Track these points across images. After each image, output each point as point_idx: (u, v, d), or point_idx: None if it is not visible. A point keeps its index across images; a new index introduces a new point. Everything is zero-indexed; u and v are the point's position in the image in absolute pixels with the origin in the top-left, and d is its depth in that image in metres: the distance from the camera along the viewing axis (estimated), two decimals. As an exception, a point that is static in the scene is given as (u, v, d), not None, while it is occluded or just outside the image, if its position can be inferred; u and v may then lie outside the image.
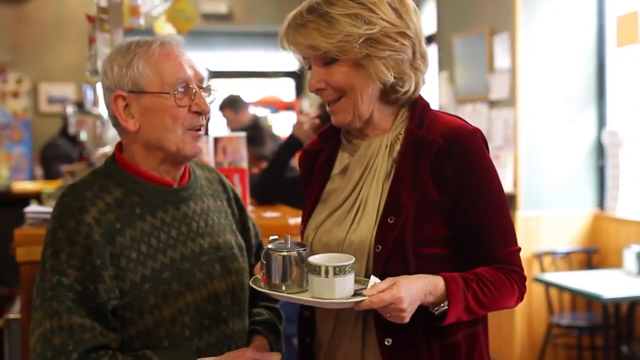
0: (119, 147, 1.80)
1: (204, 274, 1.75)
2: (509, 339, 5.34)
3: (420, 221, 1.63)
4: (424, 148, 1.66)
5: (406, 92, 1.70)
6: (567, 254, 5.36)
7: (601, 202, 5.50)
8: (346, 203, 1.72)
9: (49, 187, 5.15)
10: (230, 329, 1.80)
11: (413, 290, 1.52)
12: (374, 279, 1.55)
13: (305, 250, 1.60)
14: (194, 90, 1.72)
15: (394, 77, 1.67)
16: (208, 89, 1.76)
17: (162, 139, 1.71)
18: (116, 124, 1.75)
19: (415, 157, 1.66)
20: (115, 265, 1.64)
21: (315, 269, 1.53)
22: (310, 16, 1.65)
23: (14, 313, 2.83)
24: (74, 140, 6.33)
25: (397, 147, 1.70)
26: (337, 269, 1.52)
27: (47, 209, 2.64)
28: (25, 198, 5.03)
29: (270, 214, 2.96)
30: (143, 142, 1.73)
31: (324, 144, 1.85)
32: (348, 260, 1.55)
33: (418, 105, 1.73)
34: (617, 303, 4.65)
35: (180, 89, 1.71)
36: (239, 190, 2.81)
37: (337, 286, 1.52)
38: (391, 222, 1.62)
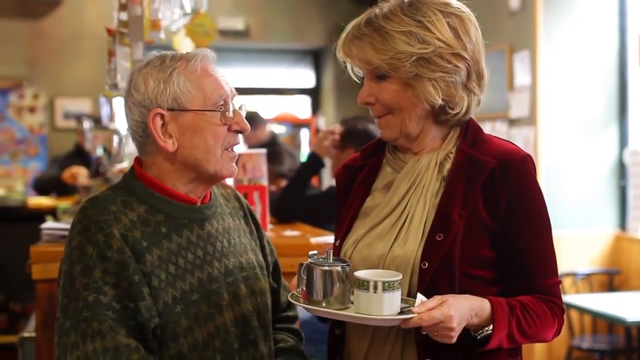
0: (138, 162, 1.72)
1: (230, 295, 1.69)
2: (529, 362, 5.25)
3: (469, 240, 1.59)
4: (477, 167, 1.62)
5: (457, 114, 1.67)
6: (588, 275, 5.28)
7: (623, 223, 5.42)
8: (390, 217, 1.68)
9: (65, 202, 5.12)
10: (259, 351, 1.74)
11: (462, 310, 1.49)
12: (420, 297, 1.50)
13: (349, 265, 1.56)
14: (232, 108, 1.67)
15: (443, 100, 1.63)
16: (241, 107, 1.71)
17: (201, 160, 1.64)
18: (147, 143, 1.66)
19: (467, 175, 1.62)
20: (148, 285, 1.56)
21: (363, 284, 1.49)
22: (366, 29, 1.65)
23: (29, 331, 2.78)
24: (86, 158, 6.30)
25: (447, 166, 1.67)
26: (387, 284, 1.48)
27: (63, 225, 2.60)
28: (41, 213, 5.01)
29: (290, 232, 2.91)
30: (178, 162, 1.65)
31: (366, 160, 1.81)
32: (395, 276, 1.51)
33: (470, 126, 1.70)
34: (640, 326, 4.57)
35: (220, 107, 1.65)
36: (259, 209, 2.76)
37: (385, 302, 1.48)
38: (439, 239, 1.58)
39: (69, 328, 1.52)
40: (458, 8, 1.67)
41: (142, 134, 1.66)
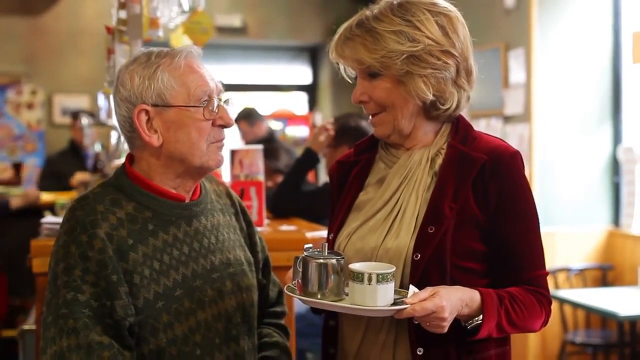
0: (129, 159, 1.76)
1: (214, 291, 1.73)
2: (523, 356, 5.29)
3: (459, 233, 1.64)
4: (468, 163, 1.68)
5: (447, 109, 1.72)
6: (582, 271, 5.33)
7: (616, 219, 5.47)
8: (382, 211, 1.73)
9: (63, 198, 5.16)
10: (240, 347, 1.78)
11: (453, 300, 1.54)
12: (413, 288, 1.55)
13: (343, 258, 1.60)
14: (217, 103, 1.70)
15: (434, 95, 1.68)
16: (227, 102, 1.74)
17: (187, 154, 1.68)
18: (134, 138, 1.70)
19: (458, 171, 1.68)
20: (129, 282, 1.61)
21: (358, 276, 1.53)
22: (357, 30, 1.70)
23: (29, 324, 2.82)
24: (80, 155, 6.34)
25: (439, 161, 1.72)
26: (380, 276, 1.52)
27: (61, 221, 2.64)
28: (39, 209, 5.05)
29: (286, 227, 2.95)
30: (164, 156, 1.69)
31: (359, 156, 1.86)
32: (389, 268, 1.55)
33: (461, 123, 1.76)
34: (633, 321, 4.61)
35: (204, 102, 1.68)
36: (255, 204, 2.81)
37: (379, 293, 1.52)
38: (431, 231, 1.63)
39: (50, 322, 1.57)
40: (445, 7, 1.73)
41: (129, 128, 1.69)
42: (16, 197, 5.22)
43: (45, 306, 1.61)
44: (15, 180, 6.08)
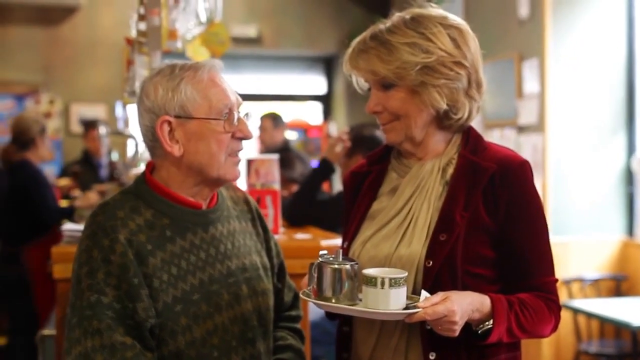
0: (149, 167, 1.81)
1: (231, 295, 1.78)
2: (536, 366, 5.30)
3: (470, 241, 1.68)
4: (478, 172, 1.72)
5: (459, 119, 1.77)
6: (596, 281, 5.33)
7: (630, 229, 5.47)
8: (396, 219, 1.78)
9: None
10: (256, 349, 1.82)
11: (464, 305, 1.58)
12: (425, 293, 1.59)
13: (357, 264, 1.65)
14: (237, 117, 1.75)
15: (447, 105, 1.73)
16: (247, 115, 1.80)
17: (206, 165, 1.73)
18: (156, 147, 1.76)
19: (469, 180, 1.72)
20: (149, 286, 1.65)
21: (371, 281, 1.58)
22: (372, 43, 1.75)
23: (49, 330, 2.86)
24: (93, 165, 6.39)
25: (450, 171, 1.77)
26: (393, 280, 1.56)
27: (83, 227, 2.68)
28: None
29: (301, 235, 2.99)
30: (184, 166, 1.74)
31: (372, 167, 1.91)
32: (401, 273, 1.59)
33: (472, 134, 1.81)
34: (646, 331, 4.61)
35: (225, 115, 1.73)
36: (271, 213, 2.85)
37: (392, 298, 1.56)
38: (443, 239, 1.68)
39: (74, 324, 1.62)
40: (456, 21, 1.78)
41: (151, 138, 1.75)
42: (78, 200, 5.29)
43: (70, 308, 1.66)
44: (74, 187, 6.21)
